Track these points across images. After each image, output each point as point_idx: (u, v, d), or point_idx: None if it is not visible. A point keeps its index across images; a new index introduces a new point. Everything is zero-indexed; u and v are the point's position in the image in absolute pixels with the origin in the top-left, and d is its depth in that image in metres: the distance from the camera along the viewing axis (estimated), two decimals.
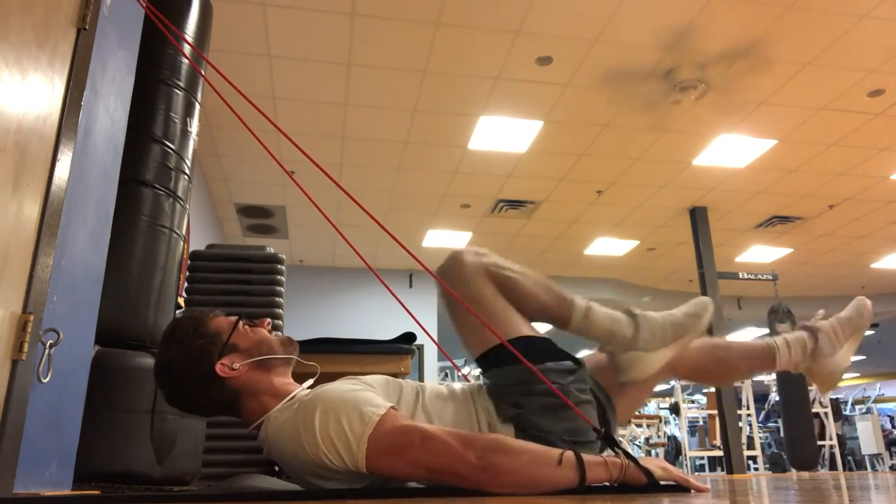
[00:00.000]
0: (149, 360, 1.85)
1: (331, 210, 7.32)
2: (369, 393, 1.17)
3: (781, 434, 8.62)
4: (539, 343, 1.35)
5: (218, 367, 1.21)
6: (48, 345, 1.40)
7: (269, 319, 1.34)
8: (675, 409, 11.29)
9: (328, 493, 1.11)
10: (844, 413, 11.21)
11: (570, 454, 1.09)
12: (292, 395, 1.23)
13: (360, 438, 1.08)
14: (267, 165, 6.23)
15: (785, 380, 7.65)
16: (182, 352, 1.23)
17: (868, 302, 1.67)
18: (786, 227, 7.95)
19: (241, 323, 1.28)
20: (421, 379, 8.53)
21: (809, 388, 7.72)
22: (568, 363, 1.34)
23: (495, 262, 1.40)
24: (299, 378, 1.34)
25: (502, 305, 1.37)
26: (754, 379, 10.36)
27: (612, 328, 1.39)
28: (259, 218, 7.59)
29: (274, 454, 1.20)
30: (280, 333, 1.34)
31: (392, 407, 1.14)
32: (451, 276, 1.40)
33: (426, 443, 1.08)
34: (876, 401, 12.44)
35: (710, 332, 1.57)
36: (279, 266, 2.64)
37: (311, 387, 1.29)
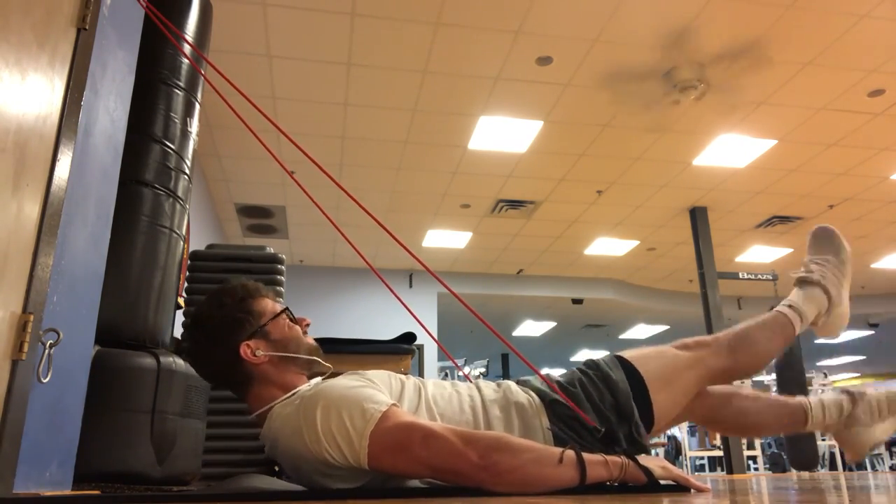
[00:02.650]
0: (149, 360, 1.85)
1: (331, 210, 7.32)
2: (371, 389, 1.17)
3: (781, 434, 8.62)
4: (645, 414, 1.34)
5: (242, 348, 1.22)
6: (48, 345, 1.40)
7: (309, 320, 1.35)
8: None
9: (328, 494, 1.11)
10: None
11: (570, 453, 1.09)
12: (295, 390, 1.24)
13: (362, 435, 1.08)
14: (267, 165, 6.23)
15: (785, 380, 7.65)
16: (219, 316, 1.25)
17: None
18: (786, 227, 7.95)
19: (284, 314, 1.29)
20: None
21: (809, 388, 7.72)
22: (643, 433, 1.33)
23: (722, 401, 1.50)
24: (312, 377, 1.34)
25: (682, 393, 1.41)
26: (754, 379, 10.36)
27: (841, 413, 1.49)
28: (259, 218, 7.59)
29: (276, 450, 1.20)
30: (311, 338, 1.34)
31: (394, 404, 1.14)
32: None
33: (428, 440, 1.08)
34: None
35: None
36: (279, 266, 2.65)
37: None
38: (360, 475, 1.14)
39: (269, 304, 1.29)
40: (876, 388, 1.58)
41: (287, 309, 1.30)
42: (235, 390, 1.27)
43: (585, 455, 1.10)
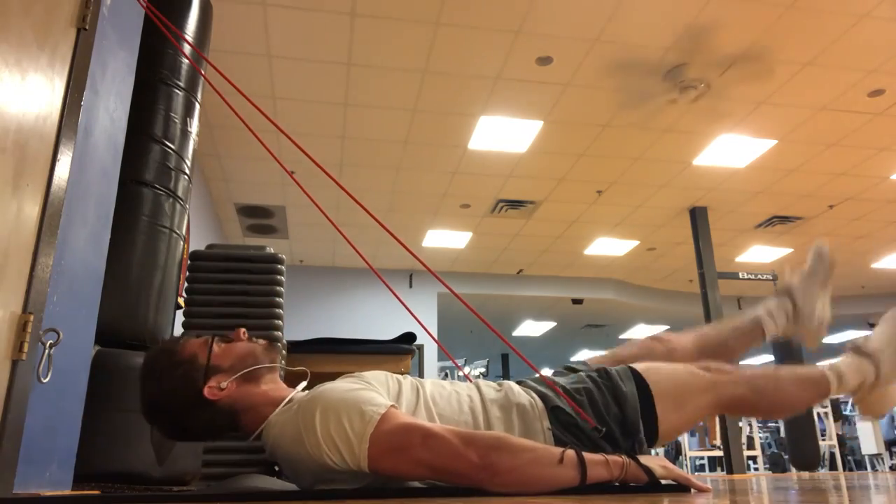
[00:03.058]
0: None
1: (331, 210, 7.32)
2: (370, 392, 1.17)
3: (781, 434, 8.63)
4: (650, 431, 1.32)
5: (206, 392, 1.18)
6: (48, 345, 1.40)
7: (243, 329, 1.30)
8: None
9: (328, 494, 1.11)
10: (844, 413, 11.21)
11: (571, 453, 1.09)
12: (289, 398, 1.22)
13: (362, 438, 1.08)
14: (267, 165, 6.23)
15: None
16: (165, 386, 1.19)
17: None
18: (786, 227, 7.95)
19: (214, 341, 1.24)
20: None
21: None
22: (645, 450, 1.31)
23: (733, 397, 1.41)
24: (292, 381, 1.33)
25: (689, 418, 1.38)
26: None
27: (863, 378, 1.45)
28: (259, 218, 7.59)
29: (277, 457, 1.20)
30: (259, 340, 1.30)
31: (392, 405, 1.14)
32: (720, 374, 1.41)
33: (427, 441, 1.08)
34: None
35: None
36: (279, 266, 2.64)
37: (307, 387, 1.28)
38: (361, 478, 1.13)
39: (195, 343, 1.24)
40: (879, 338, 1.52)
41: (213, 334, 1.26)
42: (231, 430, 1.24)
43: (586, 455, 1.10)
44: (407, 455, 1.08)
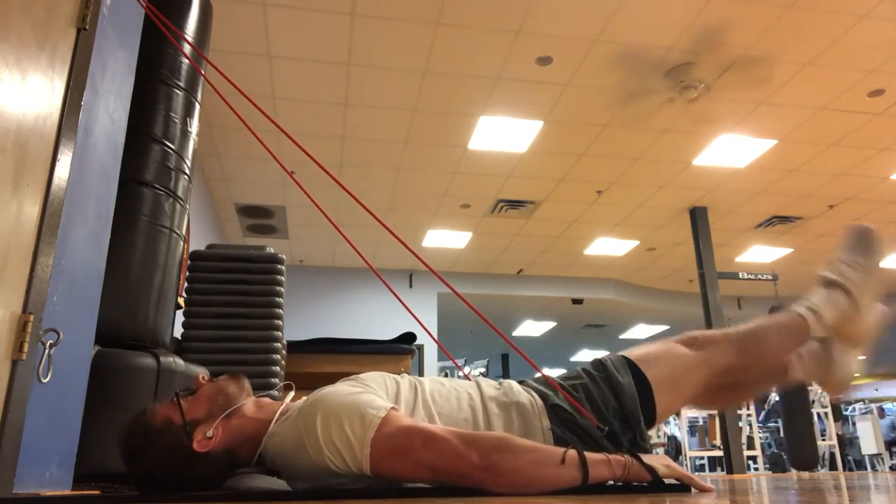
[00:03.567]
0: (149, 360, 1.85)
1: (331, 210, 7.32)
2: (370, 395, 1.16)
3: (781, 434, 8.62)
4: (648, 417, 1.32)
5: (197, 447, 1.14)
6: (48, 345, 1.40)
7: (201, 375, 1.27)
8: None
9: (328, 494, 1.11)
10: (844, 413, 11.21)
11: (573, 453, 1.09)
12: (281, 409, 1.21)
13: (363, 442, 1.08)
14: (267, 165, 6.23)
15: None
16: (155, 461, 1.15)
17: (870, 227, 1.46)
18: (786, 227, 7.95)
19: (180, 397, 1.21)
20: None
21: (809, 387, 7.72)
22: (647, 440, 1.32)
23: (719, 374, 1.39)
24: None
25: (683, 396, 1.37)
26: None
27: (839, 310, 1.37)
28: (259, 218, 7.59)
29: (278, 465, 1.19)
30: (219, 377, 1.26)
31: (393, 407, 1.14)
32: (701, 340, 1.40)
33: (429, 443, 1.08)
34: (875, 400, 12.46)
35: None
36: (279, 266, 2.64)
37: (301, 391, 1.28)
38: (363, 481, 1.13)
39: (161, 407, 1.20)
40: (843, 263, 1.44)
41: (176, 393, 1.22)
42: (237, 467, 1.23)
43: (588, 454, 1.10)
44: (408, 457, 1.08)
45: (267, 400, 1.28)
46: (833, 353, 1.44)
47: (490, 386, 1.34)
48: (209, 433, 1.16)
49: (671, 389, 1.34)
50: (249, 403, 1.24)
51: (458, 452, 1.07)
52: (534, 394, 1.32)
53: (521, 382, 1.38)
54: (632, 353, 1.40)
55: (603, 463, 1.10)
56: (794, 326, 1.44)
